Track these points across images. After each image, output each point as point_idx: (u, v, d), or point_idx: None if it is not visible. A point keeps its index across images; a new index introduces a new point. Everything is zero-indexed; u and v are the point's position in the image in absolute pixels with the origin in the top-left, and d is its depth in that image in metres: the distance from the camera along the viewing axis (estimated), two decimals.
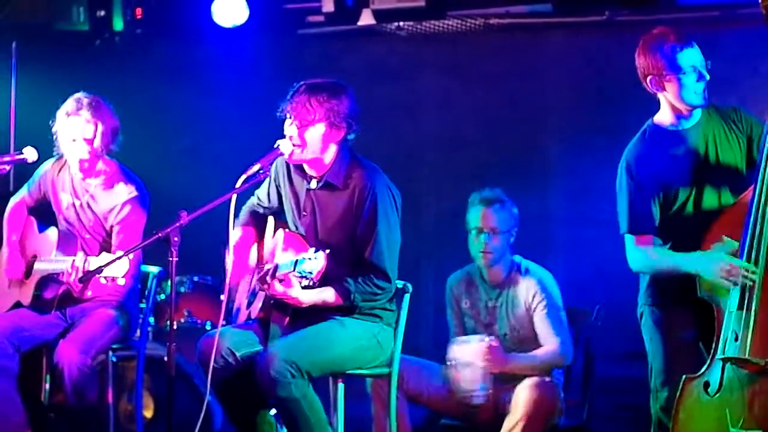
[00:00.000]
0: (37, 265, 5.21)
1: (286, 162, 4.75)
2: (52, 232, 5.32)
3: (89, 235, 5.26)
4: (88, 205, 5.26)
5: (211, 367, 4.46)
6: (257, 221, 4.92)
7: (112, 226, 5.23)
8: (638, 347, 4.63)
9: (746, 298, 4.16)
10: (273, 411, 4.84)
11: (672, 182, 4.43)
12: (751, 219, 4.21)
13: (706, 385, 4.23)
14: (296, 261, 4.30)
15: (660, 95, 4.47)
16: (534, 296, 5.38)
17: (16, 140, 6.48)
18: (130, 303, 5.31)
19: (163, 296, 6.42)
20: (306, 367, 4.46)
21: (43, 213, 5.38)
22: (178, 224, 4.24)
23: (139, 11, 7.43)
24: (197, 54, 7.55)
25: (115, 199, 5.24)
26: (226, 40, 7.36)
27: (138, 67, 7.46)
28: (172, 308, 4.42)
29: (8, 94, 6.60)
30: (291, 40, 7.49)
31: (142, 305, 5.52)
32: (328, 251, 4.32)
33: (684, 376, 4.30)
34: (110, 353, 5.27)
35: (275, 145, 4.59)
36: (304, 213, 4.71)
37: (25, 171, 5.47)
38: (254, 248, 4.92)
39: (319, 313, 4.60)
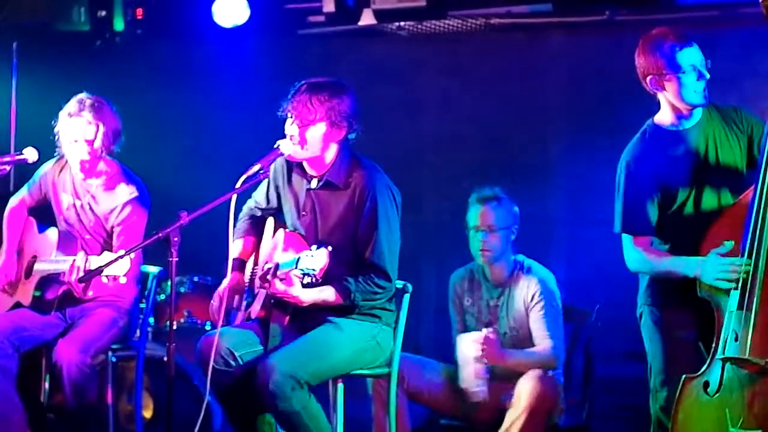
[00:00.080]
0: (37, 266, 5.21)
1: (285, 162, 4.76)
2: (52, 233, 5.32)
3: (90, 236, 5.26)
4: (89, 206, 5.26)
5: (210, 367, 4.46)
6: (256, 227, 4.92)
7: (112, 227, 5.23)
8: (638, 347, 4.63)
9: (746, 298, 4.16)
10: None
11: (671, 182, 4.43)
12: (752, 219, 4.20)
13: (706, 385, 4.23)
14: (298, 258, 4.31)
15: (660, 95, 4.46)
16: (533, 296, 5.39)
17: (16, 140, 6.49)
18: (130, 303, 5.31)
19: (162, 296, 6.42)
20: (306, 378, 4.45)
21: (43, 213, 5.38)
22: (178, 224, 4.24)
23: (139, 11, 7.43)
24: (198, 54, 7.55)
25: (116, 199, 5.24)
26: (226, 40, 7.37)
27: (138, 68, 7.46)
28: (172, 308, 4.42)
29: (9, 94, 6.61)
30: (291, 41, 7.49)
31: (142, 305, 5.51)
32: (330, 248, 4.32)
33: (684, 376, 4.30)
34: (110, 353, 5.26)
35: (275, 146, 4.59)
36: (304, 213, 4.70)
37: (25, 171, 5.47)
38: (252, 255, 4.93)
39: (318, 312, 4.60)
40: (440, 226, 7.07)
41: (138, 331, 5.40)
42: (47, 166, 5.36)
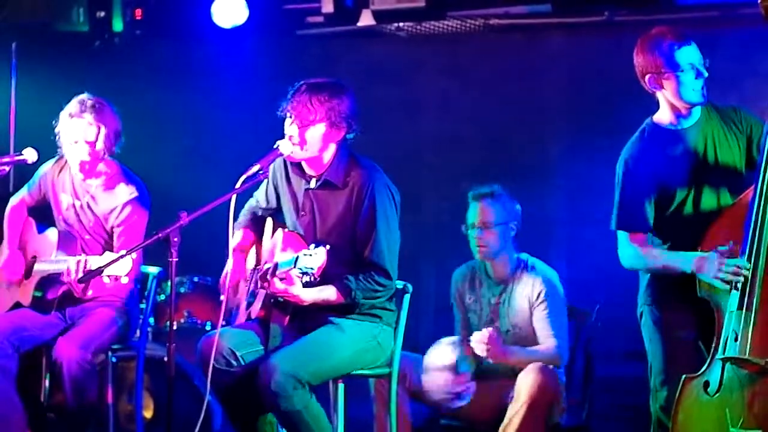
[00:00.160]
0: (37, 266, 5.21)
1: (284, 162, 4.76)
2: (52, 233, 5.32)
3: (89, 236, 5.26)
4: (89, 206, 5.25)
5: (210, 367, 4.46)
6: (256, 223, 4.93)
7: (112, 227, 5.23)
8: (638, 347, 4.63)
9: (746, 298, 4.16)
10: None
11: (670, 181, 4.43)
12: (752, 219, 4.20)
13: (706, 384, 4.23)
14: (296, 257, 4.30)
15: (659, 94, 4.47)
16: (538, 295, 5.37)
17: (16, 141, 6.48)
18: (130, 303, 5.31)
19: (162, 297, 6.42)
20: (307, 378, 4.46)
21: (43, 213, 5.38)
22: (178, 225, 4.24)
23: (138, 12, 7.43)
24: (197, 55, 7.55)
25: (116, 200, 5.23)
26: (225, 40, 7.37)
27: (138, 68, 7.46)
28: (172, 309, 4.41)
29: (8, 94, 6.61)
30: (290, 41, 7.50)
31: (142, 306, 5.51)
32: (328, 247, 4.32)
33: (684, 376, 4.30)
34: (110, 354, 5.26)
35: (275, 146, 4.59)
36: (303, 213, 4.71)
37: (25, 171, 5.47)
38: (253, 250, 4.92)
39: (319, 312, 4.60)
40: (440, 226, 7.07)
41: (138, 332, 5.40)
42: (47, 166, 5.35)
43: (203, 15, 7.18)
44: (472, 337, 5.29)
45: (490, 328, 5.28)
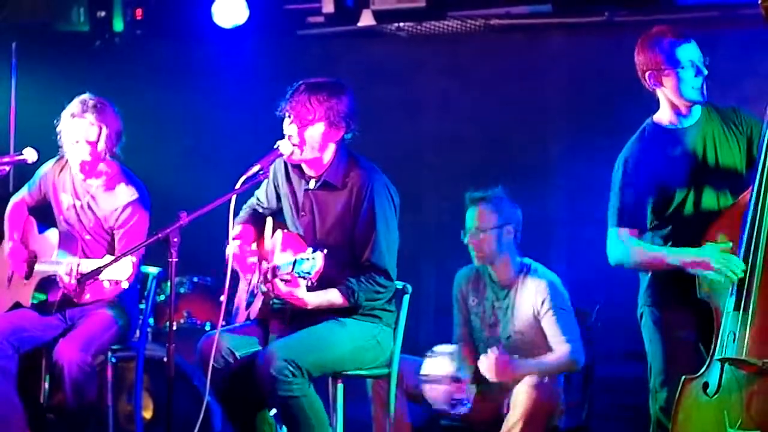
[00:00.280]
0: (37, 267, 5.21)
1: (284, 162, 4.76)
2: (52, 234, 5.31)
3: (89, 236, 5.26)
4: (89, 206, 5.25)
5: (210, 367, 4.46)
6: (256, 220, 4.93)
7: (113, 228, 5.23)
8: (638, 347, 4.62)
9: (743, 299, 4.16)
10: (273, 411, 4.84)
11: (669, 181, 4.43)
12: (749, 219, 4.20)
13: (705, 385, 4.22)
14: (294, 261, 4.30)
15: (659, 91, 4.47)
16: (543, 301, 5.36)
17: (16, 141, 6.48)
18: (130, 304, 5.31)
19: (162, 297, 6.42)
20: (306, 367, 4.46)
21: (44, 214, 5.38)
22: (177, 225, 4.23)
23: (139, 12, 7.43)
24: (197, 55, 7.55)
25: (117, 200, 5.23)
26: (226, 40, 7.37)
27: (138, 68, 7.46)
28: (172, 309, 4.41)
29: (8, 94, 6.61)
30: (291, 41, 7.49)
31: (142, 306, 5.51)
32: (325, 251, 4.32)
33: (683, 377, 4.29)
34: (110, 354, 5.26)
35: (275, 146, 4.59)
36: (303, 213, 4.71)
37: (25, 171, 5.47)
38: (254, 246, 4.92)
39: (319, 314, 4.59)
40: (440, 226, 7.07)
41: (138, 332, 5.40)
42: (47, 166, 5.35)
43: (204, 15, 7.19)
44: (479, 363, 5.27)
45: (495, 350, 5.26)
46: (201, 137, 7.53)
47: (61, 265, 4.95)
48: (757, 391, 4.11)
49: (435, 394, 5.23)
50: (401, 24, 7.23)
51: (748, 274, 4.17)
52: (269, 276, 4.44)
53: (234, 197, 4.43)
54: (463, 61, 7.33)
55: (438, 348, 5.34)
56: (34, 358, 5.26)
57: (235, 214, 4.57)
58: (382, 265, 4.58)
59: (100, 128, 5.14)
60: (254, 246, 4.88)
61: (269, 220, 4.89)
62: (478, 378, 5.33)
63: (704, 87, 4.42)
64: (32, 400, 5.28)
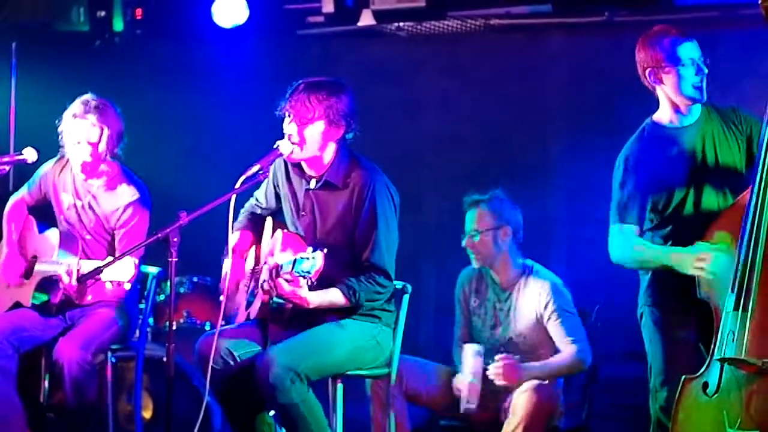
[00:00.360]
0: (37, 267, 5.20)
1: (284, 162, 4.76)
2: (52, 234, 5.31)
3: (90, 236, 5.26)
4: (90, 206, 5.25)
5: (210, 367, 4.46)
6: (255, 223, 4.93)
7: (114, 228, 5.23)
8: (638, 347, 4.63)
9: (743, 299, 4.16)
10: (272, 412, 4.84)
11: (669, 181, 4.43)
12: (749, 219, 4.20)
13: (705, 385, 4.22)
14: (294, 261, 4.30)
15: (659, 89, 4.47)
16: (547, 305, 5.36)
17: (16, 140, 6.48)
18: (130, 303, 5.31)
19: (162, 297, 6.42)
20: (305, 372, 4.46)
21: (44, 213, 5.37)
22: (177, 225, 4.24)
23: (139, 12, 7.43)
24: (197, 54, 7.55)
25: (118, 200, 5.23)
26: (226, 40, 7.37)
27: (138, 68, 7.45)
28: (172, 309, 4.41)
29: (8, 94, 6.60)
30: (291, 41, 7.49)
31: (142, 306, 5.51)
32: (325, 251, 4.32)
33: (683, 377, 4.29)
34: (109, 354, 5.26)
35: (275, 146, 4.59)
36: (303, 213, 4.70)
37: (25, 171, 5.47)
38: (252, 250, 4.92)
39: (318, 313, 4.59)
40: (440, 226, 7.07)
41: (137, 332, 5.40)
42: (47, 166, 5.35)
43: (203, 15, 7.18)
44: (489, 369, 5.27)
45: (504, 356, 5.26)
46: (201, 137, 7.53)
47: (62, 265, 4.94)
48: (757, 391, 4.11)
49: (467, 390, 5.23)
50: (401, 24, 7.23)
51: (747, 274, 4.16)
52: (273, 275, 4.43)
53: (233, 197, 4.43)
54: (463, 61, 7.33)
55: (472, 346, 5.32)
56: (34, 357, 5.25)
57: (235, 214, 4.57)
58: (382, 264, 4.59)
59: (102, 129, 5.14)
60: (252, 251, 4.89)
61: (269, 220, 4.89)
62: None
63: (704, 87, 4.43)
64: (32, 400, 5.28)
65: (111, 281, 4.59)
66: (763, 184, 4.19)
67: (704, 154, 4.44)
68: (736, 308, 4.17)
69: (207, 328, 6.35)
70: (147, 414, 5.89)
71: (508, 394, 5.25)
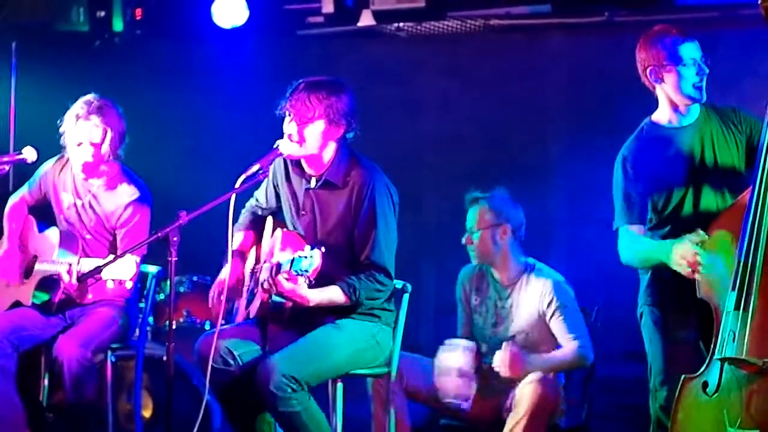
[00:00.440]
0: (37, 266, 5.20)
1: (284, 162, 4.76)
2: (53, 233, 5.31)
3: (90, 236, 5.25)
4: (90, 206, 5.25)
5: (209, 366, 4.46)
6: (256, 224, 4.93)
7: (114, 228, 5.23)
8: (638, 347, 4.63)
9: (743, 298, 4.15)
10: None
11: (668, 180, 4.44)
12: (749, 219, 4.20)
13: (705, 385, 4.22)
14: (293, 259, 4.30)
15: (658, 89, 4.48)
16: (549, 303, 5.36)
17: (16, 140, 6.48)
18: (130, 302, 5.30)
19: (162, 296, 6.42)
20: (306, 379, 4.45)
21: (44, 212, 5.37)
22: (177, 224, 4.24)
23: (138, 12, 7.43)
24: (197, 55, 7.55)
25: (118, 200, 5.23)
26: (225, 40, 7.37)
27: (138, 68, 7.46)
28: (171, 308, 4.41)
29: (8, 94, 6.61)
30: (291, 41, 7.50)
31: (141, 305, 5.51)
32: (323, 249, 4.31)
33: (683, 376, 4.29)
34: (109, 353, 5.26)
35: (275, 146, 4.59)
36: (303, 212, 4.70)
37: (25, 171, 5.46)
38: (252, 250, 4.92)
39: (317, 312, 4.59)
40: (440, 226, 7.07)
41: (137, 331, 5.40)
42: (47, 165, 5.35)
43: (203, 15, 7.19)
44: (494, 358, 5.27)
45: (509, 345, 5.26)
46: (201, 137, 7.54)
47: (62, 264, 4.94)
48: (757, 391, 4.11)
49: (446, 384, 5.22)
50: (401, 24, 7.23)
51: (748, 273, 4.16)
52: (272, 274, 4.44)
53: (233, 197, 4.43)
54: (463, 61, 7.33)
55: (454, 340, 5.33)
56: (33, 356, 5.25)
57: (235, 214, 4.57)
58: (382, 263, 4.59)
59: (105, 131, 5.14)
60: (253, 251, 4.89)
61: (269, 219, 4.89)
62: (479, 378, 5.32)
63: (704, 87, 4.43)
64: (32, 399, 5.27)
65: (113, 280, 4.59)
66: (763, 184, 4.19)
67: (703, 154, 4.44)
68: (736, 308, 4.16)
69: (207, 327, 6.35)
70: (147, 413, 5.89)
71: (510, 390, 5.25)
